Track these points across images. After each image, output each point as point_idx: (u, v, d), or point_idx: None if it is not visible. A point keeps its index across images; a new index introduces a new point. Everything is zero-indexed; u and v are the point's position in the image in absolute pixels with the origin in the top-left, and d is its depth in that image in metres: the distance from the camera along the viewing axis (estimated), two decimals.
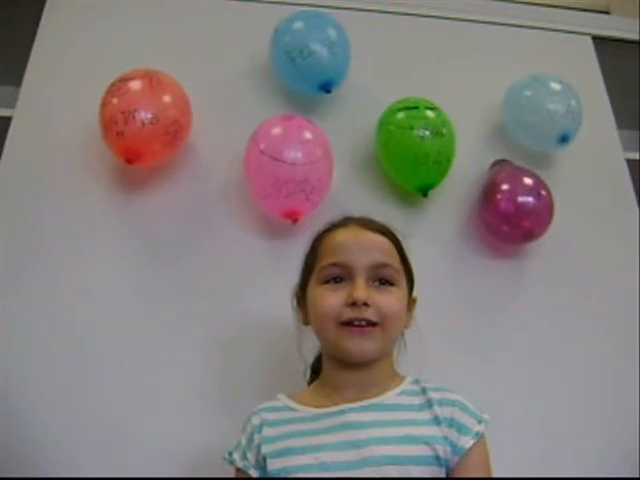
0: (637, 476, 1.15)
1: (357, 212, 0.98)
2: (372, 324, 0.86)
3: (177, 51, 1.45)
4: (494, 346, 1.28)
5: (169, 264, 1.26)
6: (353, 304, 0.85)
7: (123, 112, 1.17)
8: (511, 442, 1.11)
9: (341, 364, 0.89)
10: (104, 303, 1.20)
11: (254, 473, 0.85)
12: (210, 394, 1.16)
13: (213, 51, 1.49)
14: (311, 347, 0.98)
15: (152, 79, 1.23)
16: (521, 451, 1.16)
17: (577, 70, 1.61)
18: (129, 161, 1.19)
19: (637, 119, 1.71)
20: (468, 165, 1.43)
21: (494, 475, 0.84)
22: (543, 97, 1.40)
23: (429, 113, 1.31)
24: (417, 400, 0.86)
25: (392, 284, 0.89)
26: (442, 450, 0.80)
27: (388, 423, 0.82)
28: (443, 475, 0.80)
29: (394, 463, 0.78)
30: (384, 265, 0.89)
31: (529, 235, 1.30)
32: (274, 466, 0.82)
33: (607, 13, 1.89)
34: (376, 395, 0.86)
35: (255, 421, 0.88)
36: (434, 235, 1.37)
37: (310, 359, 1.01)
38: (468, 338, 1.28)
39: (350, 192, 1.36)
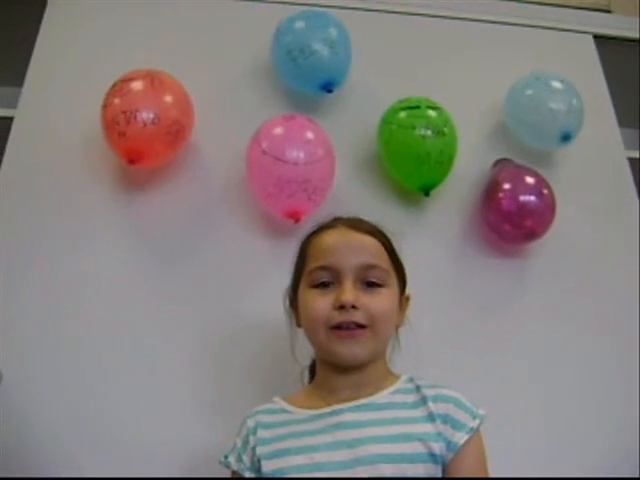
0: (637, 476, 1.14)
1: (359, 212, 0.98)
2: (361, 327, 0.85)
3: (179, 51, 1.45)
4: (496, 345, 1.28)
5: (171, 264, 1.26)
6: (341, 307, 0.85)
7: (125, 112, 1.17)
8: (511, 442, 1.11)
9: (334, 367, 0.88)
10: (105, 303, 1.20)
11: (249, 475, 0.85)
12: (209, 394, 1.16)
13: (215, 51, 1.48)
14: (310, 347, 0.97)
15: (154, 79, 1.23)
16: (521, 451, 1.16)
17: (578, 69, 1.61)
18: (131, 161, 1.19)
19: (638, 117, 1.71)
20: (470, 164, 1.42)
21: (490, 471, 0.83)
22: (545, 96, 1.40)
23: (431, 112, 1.31)
24: (411, 398, 0.86)
25: (381, 285, 0.89)
26: (437, 447, 0.79)
27: (381, 422, 0.82)
28: (439, 472, 0.79)
29: (388, 461, 0.78)
30: (372, 266, 0.89)
31: (531, 234, 1.30)
32: (269, 467, 0.82)
33: (608, 12, 1.90)
34: (370, 395, 0.86)
35: (250, 423, 0.88)
36: (436, 234, 1.37)
37: (308, 360, 1.01)
38: (470, 337, 1.28)
39: (352, 192, 1.35)
